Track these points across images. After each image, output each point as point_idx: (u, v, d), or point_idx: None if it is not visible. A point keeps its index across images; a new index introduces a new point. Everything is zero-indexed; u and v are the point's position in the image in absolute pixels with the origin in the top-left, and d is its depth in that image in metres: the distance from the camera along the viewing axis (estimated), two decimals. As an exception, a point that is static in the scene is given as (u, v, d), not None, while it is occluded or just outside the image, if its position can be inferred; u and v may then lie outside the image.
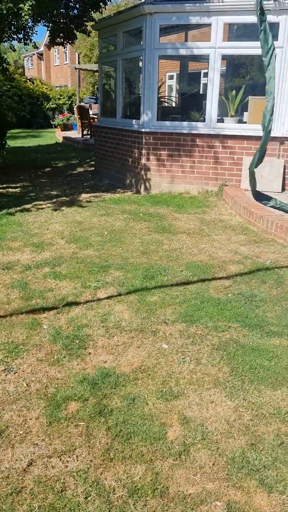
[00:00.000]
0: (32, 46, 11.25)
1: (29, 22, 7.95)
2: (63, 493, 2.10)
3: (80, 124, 18.25)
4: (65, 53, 33.69)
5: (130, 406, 2.63)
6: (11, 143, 11.88)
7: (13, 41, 10.12)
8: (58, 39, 10.83)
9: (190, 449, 2.33)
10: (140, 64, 9.07)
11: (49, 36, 11.17)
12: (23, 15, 6.03)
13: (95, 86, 27.02)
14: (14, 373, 2.95)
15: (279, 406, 2.63)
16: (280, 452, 2.30)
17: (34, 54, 41.17)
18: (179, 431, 2.46)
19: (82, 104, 20.59)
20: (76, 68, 21.58)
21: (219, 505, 2.03)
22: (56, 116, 26.11)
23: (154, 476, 2.18)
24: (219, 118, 7.74)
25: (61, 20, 10.37)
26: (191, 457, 2.29)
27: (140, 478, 2.17)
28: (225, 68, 10.24)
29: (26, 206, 7.16)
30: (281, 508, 2.01)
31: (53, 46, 14.22)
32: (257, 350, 3.17)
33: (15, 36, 9.74)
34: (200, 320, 3.56)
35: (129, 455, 2.30)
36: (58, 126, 22.84)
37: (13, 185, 9.00)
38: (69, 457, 2.30)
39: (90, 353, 3.17)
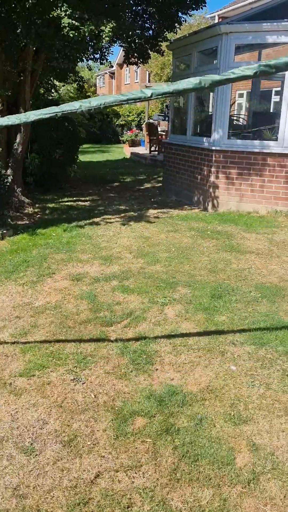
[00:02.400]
0: (107, 65, 11.65)
1: (107, 43, 8.24)
2: (129, 509, 2.09)
3: (148, 141, 18.56)
4: (136, 72, 34.58)
5: (197, 426, 2.59)
6: (81, 157, 12.29)
7: (89, 61, 10.55)
8: (133, 58, 11.12)
9: (260, 478, 2.25)
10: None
11: (123, 56, 11.51)
12: (103, 36, 6.27)
13: (164, 104, 27.45)
14: (83, 384, 3.00)
15: None
16: None
17: (106, 73, 42.63)
18: (248, 457, 2.38)
19: (151, 121, 20.95)
20: (146, 87, 22.07)
21: None
22: (124, 132, 26.76)
23: (222, 502, 2.12)
24: (293, 137, 7.58)
25: (137, 41, 10.67)
26: (261, 487, 2.21)
27: (207, 502, 2.12)
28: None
29: (95, 220, 7.35)
30: None
31: (126, 65, 14.66)
32: None
33: (92, 56, 10.14)
34: (270, 343, 3.46)
35: (196, 477, 2.26)
36: (126, 142, 23.38)
37: (83, 199, 9.28)
38: (136, 473, 2.30)
39: (157, 369, 3.17)
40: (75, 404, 2.80)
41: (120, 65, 37.35)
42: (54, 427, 2.60)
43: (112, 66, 15.26)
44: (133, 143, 22.76)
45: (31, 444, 2.47)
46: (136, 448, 2.46)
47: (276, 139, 7.63)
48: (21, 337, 3.58)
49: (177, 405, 2.77)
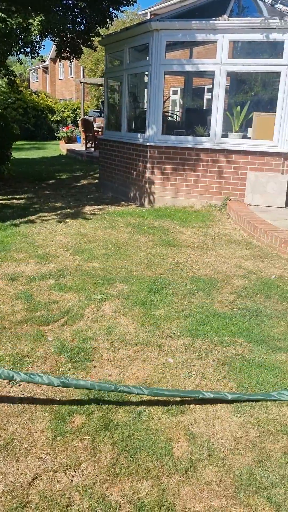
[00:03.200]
0: (39, 59, 11.39)
1: (37, 37, 8.06)
2: (69, 508, 2.07)
3: (84, 137, 18.39)
4: (70, 67, 34.10)
5: (136, 420, 2.61)
6: (15, 154, 11.97)
7: (20, 54, 10.25)
8: (65, 53, 10.97)
9: (197, 466, 2.31)
10: (146, 79, 9.18)
11: (55, 50, 11.31)
12: (32, 30, 6.12)
13: (100, 100, 27.30)
14: (19, 385, 2.93)
15: (286, 423, 2.61)
16: (288, 470, 2.28)
17: (39, 68, 41.69)
18: (185, 446, 2.44)
19: (87, 117, 20.77)
20: (81, 82, 21.82)
21: (226, 523, 2.01)
22: (60, 128, 26.33)
23: (160, 492, 2.16)
24: (224, 133, 7.80)
25: (68, 35, 10.51)
26: (198, 474, 2.27)
27: (146, 494, 2.15)
28: (229, 84, 10.35)
29: (31, 218, 7.19)
30: (289, 527, 1.99)
31: (59, 60, 14.42)
32: (263, 365, 3.16)
33: (22, 50, 9.86)
34: (206, 334, 3.55)
35: (135, 470, 2.28)
36: (62, 139, 23.01)
37: (18, 197, 9.04)
38: (75, 471, 2.28)
39: (95, 366, 3.15)
40: (11, 407, 2.73)
41: (54, 60, 36.69)
42: (-11, 432, 2.52)
43: (44, 61, 14.91)
44: (69, 139, 22.46)
45: None
46: (75, 446, 2.44)
47: (208, 135, 7.82)
48: None
49: (115, 401, 2.78)
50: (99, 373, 3.06)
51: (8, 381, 2.95)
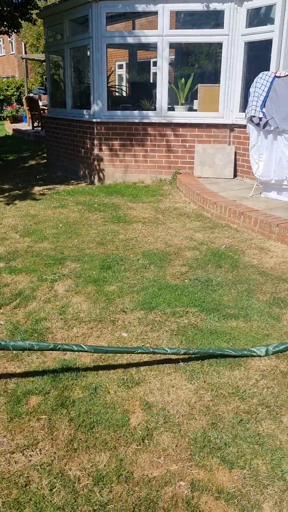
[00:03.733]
0: (-25, 35, 10.87)
1: None
2: (28, 487, 2.08)
3: (30, 116, 17.83)
4: (11, 42, 32.75)
5: (92, 395, 2.63)
6: None
7: None
8: (2, 27, 10.51)
9: (153, 433, 2.37)
10: (88, 53, 8.97)
11: (-8, 25, 10.81)
12: None
13: (44, 77, 26.45)
14: (-28, 371, 2.88)
15: (237, 385, 2.71)
16: (240, 429, 2.38)
17: (-22, 44, 39.75)
18: (141, 416, 2.48)
19: (31, 95, 20.10)
20: (22, 58, 21.03)
21: (183, 485, 2.08)
22: (4, 108, 25.40)
23: (118, 463, 2.20)
24: (170, 106, 7.78)
25: (5, 8, 10.06)
26: (154, 441, 2.32)
27: (104, 465, 2.18)
28: (173, 56, 10.28)
29: (-23, 201, 6.96)
30: (242, 482, 2.08)
31: (-2, 35, 13.79)
32: (215, 333, 3.24)
33: None
34: (158, 307, 3.60)
35: (92, 444, 2.31)
36: (7, 118, 22.25)
37: None
38: (32, 451, 2.28)
39: (49, 346, 3.13)
40: None
41: (-7, 36, 35.04)
42: None
43: (-18, 36, 14.24)
44: (15, 119, 21.74)
45: None
46: (31, 426, 2.43)
47: (155, 109, 7.77)
48: None
49: (71, 379, 2.78)
50: (54, 353, 3.05)
51: None
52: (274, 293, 3.83)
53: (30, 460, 2.23)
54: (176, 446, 2.29)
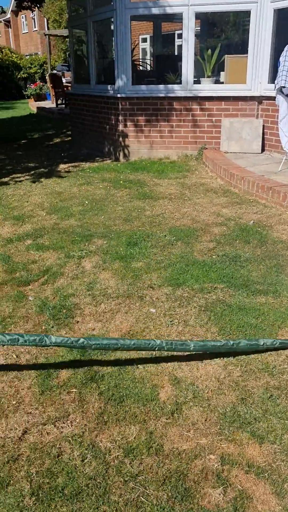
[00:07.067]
0: (-2, 11, 10.79)
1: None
2: (60, 457, 2.12)
3: (53, 93, 17.75)
4: (34, 19, 32.47)
5: (121, 370, 2.65)
6: (-17, 115, 11.53)
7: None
8: (25, 2, 10.40)
9: (182, 408, 2.37)
10: (112, 26, 8.79)
11: (15, 0, 10.70)
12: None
13: (67, 53, 26.18)
14: (3, 346, 2.93)
15: (267, 361, 2.68)
16: (270, 404, 2.36)
17: (0, 22, 39.55)
18: (170, 391, 2.49)
19: (55, 72, 19.97)
20: (45, 34, 20.85)
21: (213, 458, 2.08)
22: (28, 86, 25.34)
23: (148, 436, 2.22)
24: (196, 79, 7.59)
25: (27, -18, 9.94)
26: (184, 415, 2.33)
27: (134, 438, 2.21)
28: (199, 28, 9.99)
29: (4, 179, 7.01)
30: (272, 457, 2.07)
31: (21, 11, 13.68)
32: (243, 309, 3.21)
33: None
34: (186, 283, 3.58)
35: (122, 417, 2.33)
36: (31, 97, 22.22)
37: (-11, 159, 8.78)
38: (63, 423, 2.32)
39: (78, 321, 3.17)
40: (-4, 367, 2.74)
41: (15, 12, 34.80)
42: (-24, 393, 2.54)
43: (5, 12, 14.13)
44: (39, 97, 21.69)
45: None
46: (62, 399, 2.47)
47: (180, 82, 7.60)
48: None
49: (100, 354, 2.80)
50: (82, 328, 3.08)
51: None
52: (304, 269, 3.76)
53: (62, 432, 2.27)
54: (206, 420, 2.29)
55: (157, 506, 1.88)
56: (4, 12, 10.87)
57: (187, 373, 2.62)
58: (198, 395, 2.45)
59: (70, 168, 7.68)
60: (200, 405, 2.39)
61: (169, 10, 7.59)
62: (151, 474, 2.02)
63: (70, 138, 10.70)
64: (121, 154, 8.08)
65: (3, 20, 38.14)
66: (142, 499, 1.92)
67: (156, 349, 2.60)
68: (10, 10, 34.22)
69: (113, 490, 1.96)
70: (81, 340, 2.57)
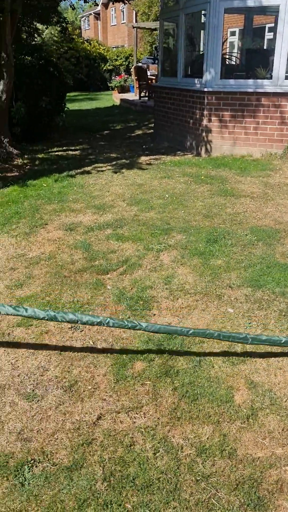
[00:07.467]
0: (92, 3, 11.03)
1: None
2: (132, 447, 2.14)
3: (137, 86, 17.92)
4: (122, 11, 32.90)
5: (196, 368, 2.63)
6: (69, 106, 11.90)
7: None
8: (118, -5, 10.53)
9: (258, 414, 2.30)
10: (203, 19, 8.67)
11: (108, -7, 10.88)
12: None
13: (153, 46, 26.29)
14: (81, 331, 3.01)
15: None
16: None
17: (90, 14, 40.53)
18: (246, 395, 2.43)
19: (140, 64, 20.14)
20: (133, 27, 21.05)
21: (289, 471, 2.00)
22: (113, 78, 25.78)
23: (221, 438, 2.18)
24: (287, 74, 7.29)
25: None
26: (259, 422, 2.26)
27: (207, 438, 2.18)
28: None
29: (86, 169, 7.19)
30: None
31: (113, 3, 13.88)
32: None
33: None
34: (267, 285, 3.46)
35: (196, 415, 2.31)
36: (115, 88, 22.57)
37: (73, 148, 9.04)
38: (137, 413, 2.34)
39: (154, 314, 3.17)
40: (74, 351, 2.82)
41: (105, 5, 35.47)
42: (54, 374, 2.63)
43: (97, 5, 14.38)
44: (123, 89, 21.99)
45: (33, 390, 2.51)
46: (136, 390, 2.49)
47: (271, 78, 7.34)
48: (17, 288, 3.56)
49: (175, 348, 2.79)
50: (159, 322, 3.08)
51: (70, 327, 3.04)
52: None
53: (135, 422, 2.29)
54: (283, 430, 2.21)
55: (228, 511, 1.84)
56: (96, 4, 11.06)
57: (264, 378, 2.54)
58: (275, 402, 2.37)
59: (151, 160, 7.72)
60: (278, 413, 2.30)
61: (265, 3, 7.35)
62: (223, 477, 1.99)
63: (152, 131, 10.75)
64: (203, 149, 7.98)
65: (93, 13, 39.03)
66: (213, 501, 1.89)
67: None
68: (100, 2, 34.94)
69: (184, 488, 1.94)
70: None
